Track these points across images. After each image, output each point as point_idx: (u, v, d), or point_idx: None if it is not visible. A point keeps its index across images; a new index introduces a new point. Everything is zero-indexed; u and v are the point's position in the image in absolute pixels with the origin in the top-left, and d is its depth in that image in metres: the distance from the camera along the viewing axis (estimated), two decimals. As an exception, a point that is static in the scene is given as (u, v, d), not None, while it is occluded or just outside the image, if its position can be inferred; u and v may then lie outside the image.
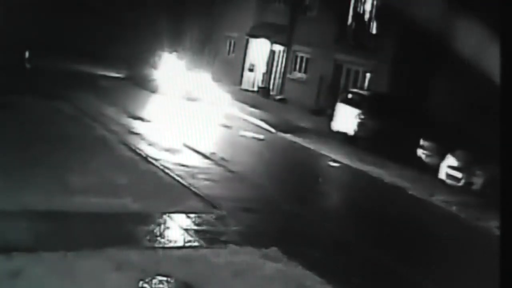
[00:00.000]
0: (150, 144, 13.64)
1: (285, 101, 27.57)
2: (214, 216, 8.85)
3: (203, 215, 8.77)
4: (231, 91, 28.41)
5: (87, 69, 27.85)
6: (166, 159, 12.25)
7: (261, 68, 30.79)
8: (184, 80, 25.77)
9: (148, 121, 17.15)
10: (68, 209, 7.93)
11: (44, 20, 29.04)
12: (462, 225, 12.21)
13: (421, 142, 17.01)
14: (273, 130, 19.69)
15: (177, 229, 8.03)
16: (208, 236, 7.94)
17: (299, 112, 24.46)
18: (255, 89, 30.40)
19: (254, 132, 18.73)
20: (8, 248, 6.18)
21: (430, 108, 20.02)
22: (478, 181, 14.34)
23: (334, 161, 16.31)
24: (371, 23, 24.70)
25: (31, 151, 10.71)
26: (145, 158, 12.01)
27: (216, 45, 34.45)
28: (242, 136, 17.84)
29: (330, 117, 20.25)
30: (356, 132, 18.80)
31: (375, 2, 24.50)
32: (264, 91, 29.37)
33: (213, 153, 13.79)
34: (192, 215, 8.65)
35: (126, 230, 7.65)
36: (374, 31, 24.48)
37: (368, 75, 24.27)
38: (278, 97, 28.42)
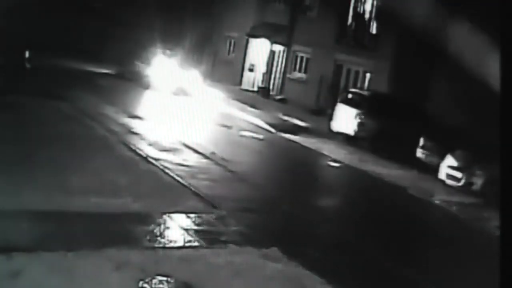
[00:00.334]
0: (150, 144, 13.63)
1: (285, 101, 27.57)
2: (214, 216, 8.85)
3: (203, 215, 8.77)
4: (231, 91, 28.44)
5: (86, 69, 27.87)
6: (165, 159, 12.25)
7: (261, 68, 30.78)
8: (184, 80, 25.80)
9: (147, 120, 17.14)
10: (68, 209, 7.93)
11: (44, 20, 29.04)
12: (462, 225, 12.21)
13: (421, 142, 17.01)
14: (273, 130, 19.69)
15: (177, 229, 8.02)
16: (208, 236, 7.94)
17: (299, 112, 24.45)
18: (255, 89, 30.40)
19: (254, 132, 18.73)
20: (8, 248, 6.18)
21: (430, 108, 20.03)
22: (478, 181, 14.34)
23: (334, 161, 16.31)
24: (371, 23, 24.70)
25: (31, 151, 10.71)
26: (145, 158, 12.01)
27: (216, 45, 34.45)
28: (242, 136, 17.83)
29: (330, 117, 20.25)
30: (356, 132, 18.79)
31: (375, 2, 24.50)
32: (264, 91, 29.37)
33: (213, 153, 13.78)
34: (192, 215, 8.65)
35: (126, 230, 7.65)
36: (374, 31, 24.49)
37: (368, 75, 24.28)
38: (278, 97, 28.41)
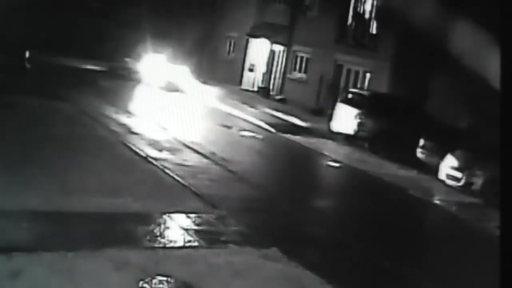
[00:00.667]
0: (149, 144, 13.63)
1: (285, 101, 27.57)
2: (214, 216, 8.85)
3: (203, 215, 8.77)
4: (231, 91, 28.45)
5: (86, 68, 27.87)
6: (165, 159, 12.25)
7: (261, 68, 30.79)
8: (185, 80, 25.82)
9: (147, 120, 17.15)
10: (68, 209, 7.93)
11: (43, 20, 29.05)
12: (462, 225, 12.21)
13: (421, 142, 17.00)
14: (273, 130, 19.70)
15: (177, 229, 8.02)
16: (208, 236, 7.93)
17: (299, 112, 24.46)
18: (255, 89, 30.41)
19: (254, 132, 18.73)
20: (8, 248, 6.18)
21: (430, 108, 20.03)
22: (478, 181, 14.33)
23: (334, 161, 16.31)
24: (371, 23, 24.71)
25: (30, 150, 10.71)
26: (145, 158, 12.01)
27: (216, 45, 34.45)
28: (242, 136, 17.83)
29: (330, 117, 20.25)
30: (356, 132, 18.79)
31: (375, 2, 24.51)
32: (264, 91, 29.38)
33: (213, 153, 13.78)
34: (192, 215, 8.65)
35: (126, 230, 7.64)
36: (374, 31, 24.50)
37: (368, 75, 24.28)
38: (278, 97, 28.42)
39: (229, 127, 18.83)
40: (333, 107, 20.62)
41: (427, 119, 18.49)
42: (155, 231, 7.74)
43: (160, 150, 13.09)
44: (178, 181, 10.55)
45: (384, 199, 13.58)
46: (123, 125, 15.42)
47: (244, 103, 24.81)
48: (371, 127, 18.43)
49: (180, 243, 7.53)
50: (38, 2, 29.20)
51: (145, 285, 6.01)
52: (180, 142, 14.55)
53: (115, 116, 16.59)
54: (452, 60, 18.08)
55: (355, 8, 25.41)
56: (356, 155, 17.49)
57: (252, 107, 24.16)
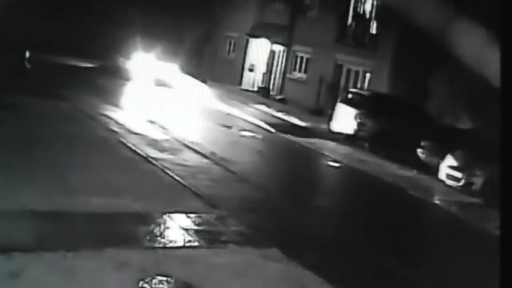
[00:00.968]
0: (149, 144, 13.63)
1: (285, 101, 27.58)
2: (214, 216, 8.84)
3: (203, 215, 8.77)
4: (231, 91, 28.45)
5: (87, 67, 27.87)
6: (165, 159, 12.24)
7: (261, 68, 30.79)
8: (185, 80, 25.82)
9: (147, 119, 17.14)
10: (68, 209, 7.93)
11: (43, 20, 29.06)
12: (462, 225, 12.21)
13: (421, 142, 17.00)
14: (273, 130, 19.70)
15: (177, 229, 8.02)
16: (208, 236, 7.93)
17: (299, 112, 24.46)
18: (255, 89, 30.41)
19: (254, 132, 18.73)
20: (8, 248, 6.18)
21: (430, 108, 20.03)
22: (478, 181, 14.33)
23: (334, 161, 16.32)
24: (371, 23, 24.71)
25: (30, 150, 10.71)
26: (145, 158, 12.01)
27: (216, 45, 34.45)
28: (242, 136, 17.84)
29: (330, 117, 20.25)
30: (356, 132, 18.79)
31: (375, 2, 24.51)
32: (264, 91, 29.38)
33: (213, 153, 13.78)
34: (192, 215, 8.64)
35: (126, 230, 7.64)
36: (374, 31, 24.50)
37: (368, 75, 24.29)
38: (278, 97, 28.42)
39: (229, 127, 18.83)
40: (333, 107, 20.63)
41: (427, 119, 18.50)
42: (155, 231, 7.74)
43: (160, 150, 13.08)
44: (178, 181, 10.56)
45: (384, 199, 13.58)
46: (123, 125, 15.42)
47: (244, 103, 24.83)
48: (371, 127, 18.42)
49: (180, 243, 7.52)
50: (38, 2, 29.19)
51: (145, 285, 6.01)
52: (180, 142, 14.56)
53: (115, 116, 16.58)
54: (452, 60, 18.08)
55: (355, 8, 25.42)
56: (356, 155, 17.49)
57: (252, 107, 24.18)
